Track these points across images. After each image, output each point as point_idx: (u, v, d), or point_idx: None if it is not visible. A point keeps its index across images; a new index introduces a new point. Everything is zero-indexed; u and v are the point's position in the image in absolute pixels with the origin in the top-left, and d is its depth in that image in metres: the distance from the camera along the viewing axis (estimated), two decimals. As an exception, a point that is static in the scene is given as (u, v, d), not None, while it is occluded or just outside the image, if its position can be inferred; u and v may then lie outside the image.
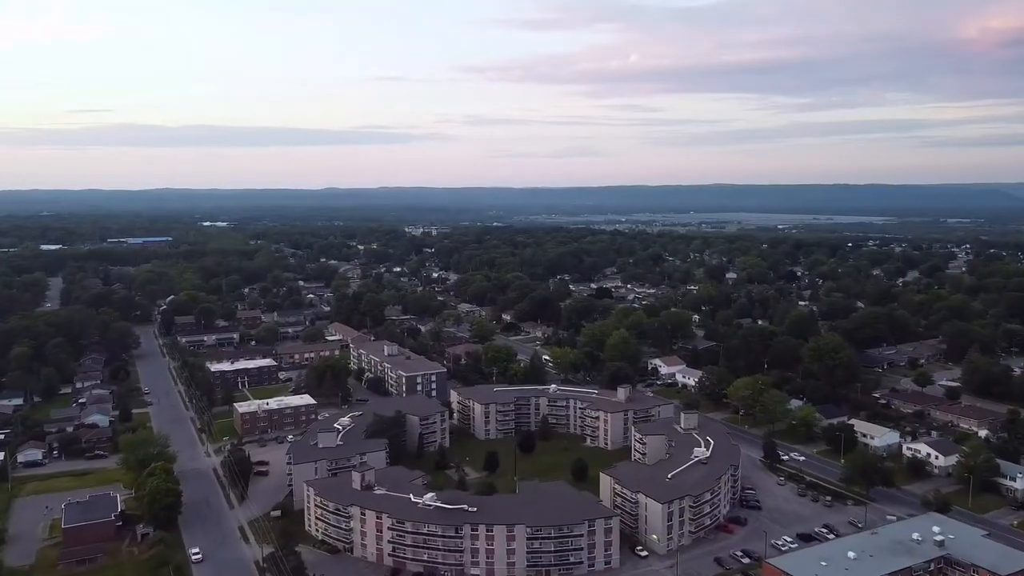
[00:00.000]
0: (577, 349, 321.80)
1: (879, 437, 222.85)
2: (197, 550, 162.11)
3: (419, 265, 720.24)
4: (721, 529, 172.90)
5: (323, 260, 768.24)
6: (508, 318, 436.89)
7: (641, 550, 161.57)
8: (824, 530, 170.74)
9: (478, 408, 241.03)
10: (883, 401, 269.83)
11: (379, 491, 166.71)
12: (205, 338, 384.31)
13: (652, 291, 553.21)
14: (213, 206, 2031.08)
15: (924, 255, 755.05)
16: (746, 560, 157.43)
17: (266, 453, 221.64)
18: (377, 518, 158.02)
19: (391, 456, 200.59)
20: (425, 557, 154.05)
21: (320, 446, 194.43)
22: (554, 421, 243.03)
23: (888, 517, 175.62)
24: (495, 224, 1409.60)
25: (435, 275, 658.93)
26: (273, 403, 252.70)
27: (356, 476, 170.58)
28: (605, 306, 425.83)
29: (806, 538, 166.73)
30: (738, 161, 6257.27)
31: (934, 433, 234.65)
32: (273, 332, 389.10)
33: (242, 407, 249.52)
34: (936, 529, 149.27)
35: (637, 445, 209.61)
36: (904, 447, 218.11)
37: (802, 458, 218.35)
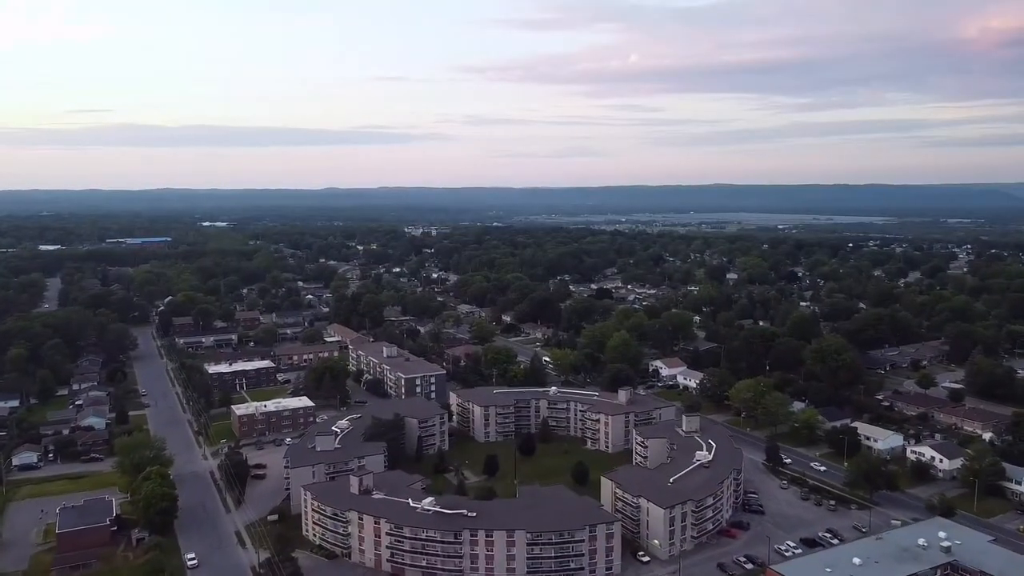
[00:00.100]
0: (577, 351, 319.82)
1: (883, 440, 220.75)
2: (193, 555, 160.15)
3: (419, 266, 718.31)
4: (724, 534, 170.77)
5: (322, 260, 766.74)
6: (508, 319, 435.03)
7: (643, 556, 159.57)
8: (828, 535, 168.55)
9: (478, 410, 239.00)
10: (886, 403, 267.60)
11: (377, 495, 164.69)
12: (203, 339, 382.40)
13: (652, 292, 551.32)
14: (213, 206, 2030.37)
15: (925, 255, 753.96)
16: (749, 566, 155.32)
17: (264, 456, 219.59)
18: (375, 523, 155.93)
19: (390, 459, 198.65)
20: (424, 563, 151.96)
21: (318, 449, 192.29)
22: (554, 424, 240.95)
23: (893, 521, 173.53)
24: (495, 224, 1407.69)
25: (435, 276, 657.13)
26: (271, 405, 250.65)
27: (354, 480, 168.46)
28: (605, 307, 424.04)
29: (810, 543, 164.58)
30: (738, 161, 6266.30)
31: (938, 436, 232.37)
32: (271, 333, 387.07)
33: (240, 409, 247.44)
34: (942, 535, 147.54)
35: (638, 448, 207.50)
36: (908, 450, 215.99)
37: (823, 468, 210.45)
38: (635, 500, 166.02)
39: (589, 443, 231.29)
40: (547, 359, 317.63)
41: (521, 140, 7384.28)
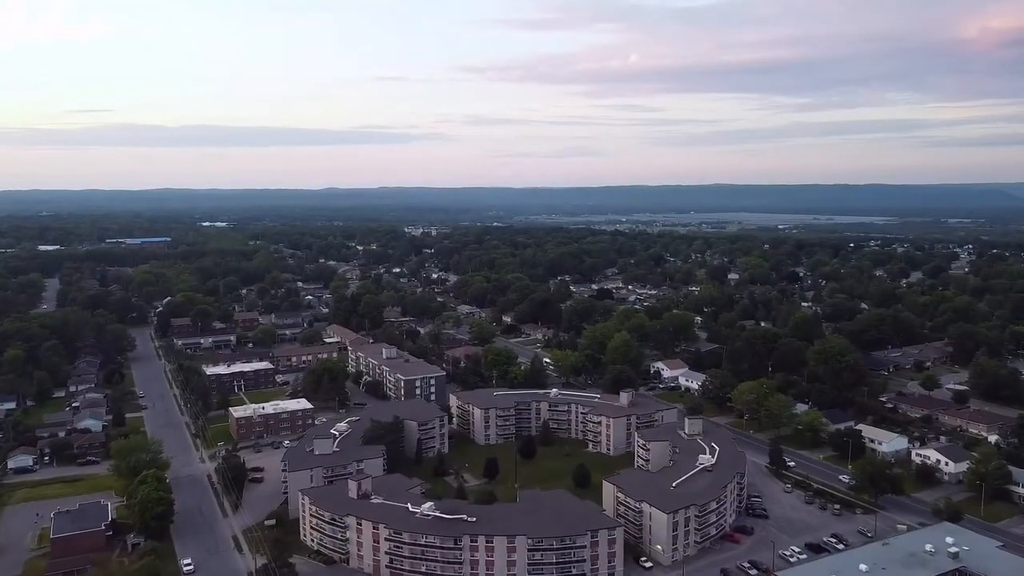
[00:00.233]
0: (578, 352, 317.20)
1: (887, 443, 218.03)
2: (189, 560, 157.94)
3: (418, 266, 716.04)
4: (727, 539, 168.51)
5: (322, 261, 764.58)
6: (508, 320, 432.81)
7: (645, 561, 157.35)
8: (833, 540, 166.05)
9: (478, 413, 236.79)
10: (890, 405, 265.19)
11: (376, 500, 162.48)
12: (201, 340, 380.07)
13: (653, 292, 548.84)
14: (213, 206, 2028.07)
15: (926, 256, 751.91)
16: (753, 572, 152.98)
17: (261, 459, 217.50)
18: (374, 528, 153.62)
19: (389, 463, 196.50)
20: (423, 569, 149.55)
21: (316, 453, 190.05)
22: (555, 426, 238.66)
23: (898, 526, 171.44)
24: (495, 224, 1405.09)
25: (435, 276, 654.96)
26: (269, 407, 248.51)
27: (352, 485, 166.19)
28: (606, 308, 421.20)
29: (815, 548, 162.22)
30: (738, 161, 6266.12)
31: (943, 438, 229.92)
32: (270, 334, 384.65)
33: (237, 411, 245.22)
34: (949, 540, 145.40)
35: (640, 451, 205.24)
36: (913, 453, 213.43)
37: (853, 481, 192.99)
38: (637, 504, 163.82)
39: (590, 446, 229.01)
40: (548, 360, 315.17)
41: (521, 140, 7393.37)
